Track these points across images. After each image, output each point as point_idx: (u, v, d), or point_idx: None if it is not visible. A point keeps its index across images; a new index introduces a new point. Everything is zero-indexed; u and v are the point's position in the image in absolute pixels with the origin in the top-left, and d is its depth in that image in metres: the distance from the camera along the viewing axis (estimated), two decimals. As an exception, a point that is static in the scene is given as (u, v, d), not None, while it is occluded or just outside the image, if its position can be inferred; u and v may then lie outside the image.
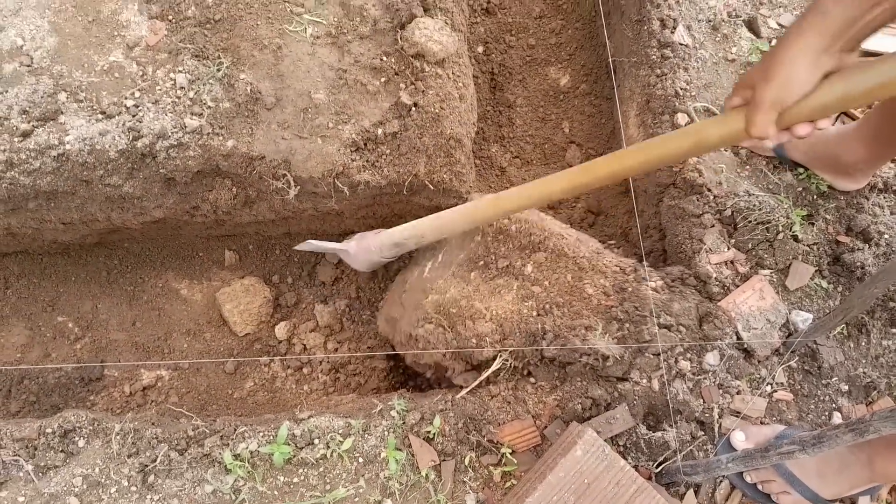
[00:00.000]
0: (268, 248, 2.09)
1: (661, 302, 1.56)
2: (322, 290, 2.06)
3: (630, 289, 1.59)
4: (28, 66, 1.63)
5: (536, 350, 1.54)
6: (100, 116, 1.61)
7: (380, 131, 1.72)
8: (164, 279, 2.00)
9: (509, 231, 1.59)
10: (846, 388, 1.59)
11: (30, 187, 1.60)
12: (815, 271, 1.65)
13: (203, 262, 2.04)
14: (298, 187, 1.70)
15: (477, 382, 1.54)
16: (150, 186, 1.68)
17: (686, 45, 1.84)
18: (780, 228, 1.65)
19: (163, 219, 1.80)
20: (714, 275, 1.61)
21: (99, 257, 1.98)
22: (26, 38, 1.66)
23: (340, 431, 1.46)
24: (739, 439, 1.44)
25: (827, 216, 1.70)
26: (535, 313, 1.54)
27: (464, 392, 1.53)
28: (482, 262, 1.59)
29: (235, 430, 1.47)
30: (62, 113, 1.60)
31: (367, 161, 1.73)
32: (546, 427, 1.49)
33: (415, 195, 1.82)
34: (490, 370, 1.53)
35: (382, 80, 1.74)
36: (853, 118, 1.82)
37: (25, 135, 1.57)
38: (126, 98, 1.63)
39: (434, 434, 1.46)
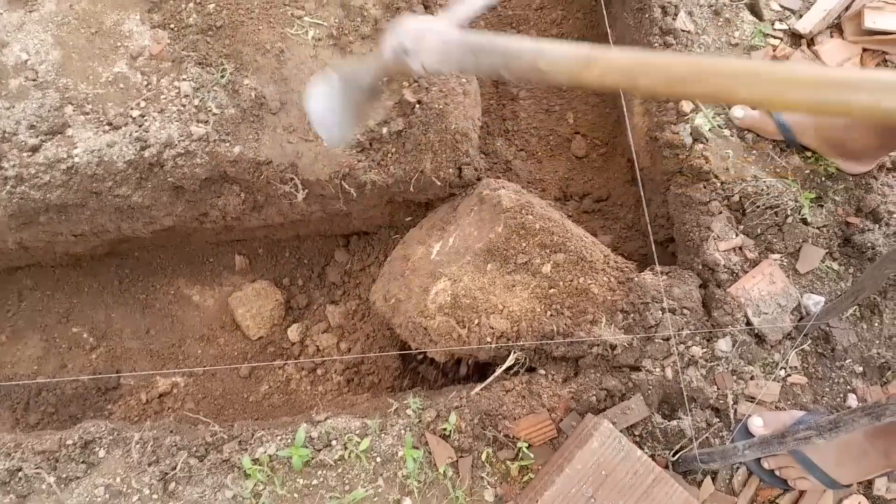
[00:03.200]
0: (277, 251, 2.10)
1: (662, 288, 1.57)
2: (333, 290, 2.07)
3: (635, 279, 1.60)
4: (34, 80, 1.64)
5: (545, 350, 1.54)
6: (107, 128, 1.62)
7: (384, 130, 1.73)
8: (176, 286, 2.02)
9: (533, 228, 1.58)
10: (860, 369, 1.58)
11: (40, 201, 1.61)
12: (826, 254, 1.65)
13: (214, 268, 2.05)
14: (306, 190, 1.70)
15: (491, 379, 1.54)
16: (158, 195, 1.69)
17: (689, 32, 1.84)
18: (789, 212, 1.64)
19: (172, 227, 1.81)
20: (722, 262, 1.61)
21: (110, 267, 1.99)
22: (31, 53, 1.66)
23: (357, 432, 1.47)
24: (757, 425, 1.44)
25: (836, 198, 1.69)
26: (548, 314, 1.54)
27: (478, 388, 1.53)
28: (501, 256, 1.59)
29: (253, 434, 1.48)
30: (69, 126, 1.61)
31: (373, 161, 1.74)
32: (562, 420, 1.49)
33: (422, 192, 1.83)
34: (503, 367, 1.53)
35: (385, 79, 1.74)
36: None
37: (34, 149, 1.58)
38: (132, 108, 1.64)
39: (450, 431, 1.46)
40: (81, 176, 1.60)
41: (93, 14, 1.72)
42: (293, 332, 1.99)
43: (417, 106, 1.73)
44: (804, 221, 1.65)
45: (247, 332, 1.97)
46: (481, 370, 1.84)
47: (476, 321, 1.54)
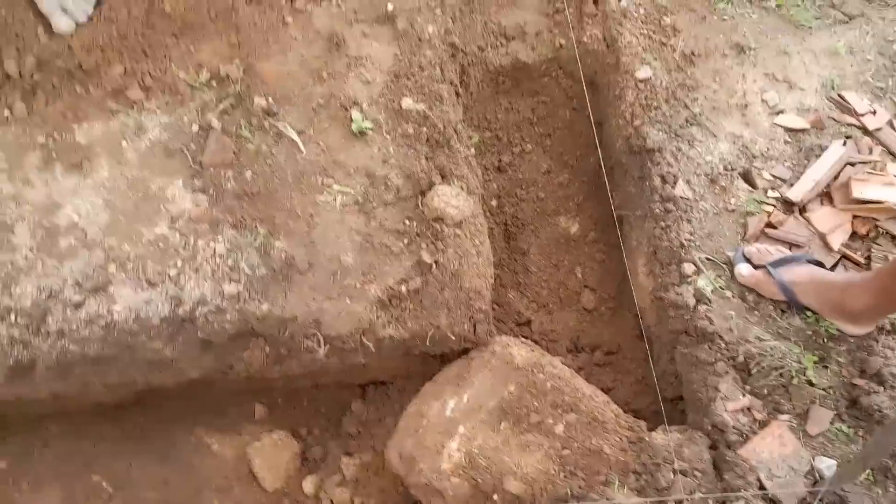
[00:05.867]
0: (296, 400, 2.15)
1: (673, 449, 1.60)
2: (348, 441, 2.10)
3: (646, 438, 1.63)
4: (82, 240, 1.78)
5: None
6: (145, 286, 1.74)
7: (403, 288, 1.83)
8: (196, 434, 2.05)
9: (544, 388, 1.64)
10: (879, 537, 1.57)
11: (78, 354, 1.70)
12: (835, 415, 1.68)
13: (234, 417, 2.09)
14: (328, 345, 1.79)
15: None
16: (188, 349, 1.77)
17: (687, 199, 1.97)
18: (794, 373, 1.69)
19: (198, 378, 1.88)
20: (731, 423, 1.64)
21: (133, 415, 2.04)
22: (81, 215, 1.82)
23: None
24: None
25: (839, 359, 1.75)
26: (561, 475, 1.56)
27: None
28: (514, 415, 1.63)
29: None
30: (111, 283, 1.73)
31: (392, 316, 1.83)
32: (577, 587, 1.48)
33: (437, 346, 1.90)
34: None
35: (405, 241, 1.87)
36: (856, 263, 1.90)
37: (77, 306, 1.69)
38: (169, 267, 1.77)
39: None
40: (118, 331, 1.70)
41: (141, 180, 1.89)
42: (308, 485, 2.00)
43: (434, 266, 1.85)
44: (810, 383, 1.70)
45: (263, 483, 1.98)
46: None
47: (491, 484, 1.56)
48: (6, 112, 1.93)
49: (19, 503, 1.92)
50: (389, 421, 2.07)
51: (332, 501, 1.97)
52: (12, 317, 1.67)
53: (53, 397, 1.84)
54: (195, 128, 1.96)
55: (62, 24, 1.97)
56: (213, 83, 2.04)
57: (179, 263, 1.78)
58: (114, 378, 1.80)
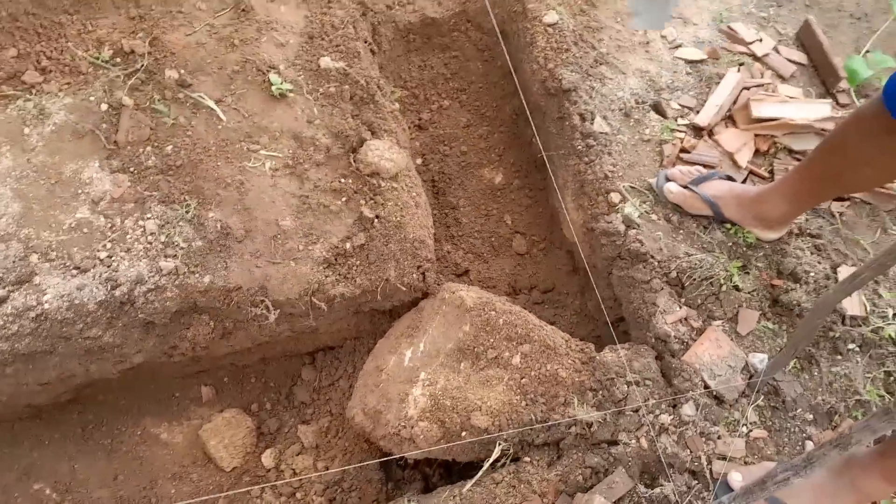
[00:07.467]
0: (243, 378, 2.10)
1: (623, 363, 1.69)
2: (303, 409, 2.08)
3: (597, 357, 1.72)
4: (-6, 234, 1.66)
5: (526, 438, 1.62)
6: (74, 272, 1.65)
7: (348, 245, 1.83)
8: (143, 426, 1.97)
9: (497, 323, 1.69)
10: (811, 416, 1.73)
11: (8, 352, 1.59)
12: (760, 315, 1.82)
13: (180, 402, 2.03)
14: (277, 311, 1.76)
15: (480, 474, 1.59)
16: (129, 333, 1.70)
17: (605, 133, 2.07)
18: (722, 281, 1.82)
19: (141, 364, 1.80)
20: (672, 333, 1.75)
21: (73, 414, 1.94)
22: (-11, 208, 1.69)
23: (358, 544, 1.47)
24: (737, 479, 1.53)
25: (758, 264, 1.90)
26: (523, 403, 1.62)
27: (469, 484, 1.57)
28: (472, 353, 1.67)
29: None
30: (36, 274, 1.63)
31: (340, 275, 1.82)
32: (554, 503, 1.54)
33: (388, 299, 1.91)
34: (491, 459, 1.59)
35: (343, 199, 1.87)
36: (762, 177, 2.06)
37: (1, 301, 1.58)
38: (98, 251, 1.68)
39: (449, 530, 1.49)
40: (51, 322, 1.60)
41: (51, 165, 1.77)
42: (267, 458, 1.97)
43: (376, 220, 1.85)
44: (736, 288, 1.83)
45: (220, 463, 1.93)
46: (465, 470, 1.88)
47: (458, 422, 1.59)
48: None
49: (-46, 524, 1.79)
50: (343, 384, 2.07)
51: (294, 471, 1.95)
52: (-74, 322, 1.54)
53: (-17, 404, 1.72)
54: (104, 107, 1.86)
55: None
56: (118, 59, 1.94)
57: (108, 245, 1.70)
58: (50, 374, 1.70)
